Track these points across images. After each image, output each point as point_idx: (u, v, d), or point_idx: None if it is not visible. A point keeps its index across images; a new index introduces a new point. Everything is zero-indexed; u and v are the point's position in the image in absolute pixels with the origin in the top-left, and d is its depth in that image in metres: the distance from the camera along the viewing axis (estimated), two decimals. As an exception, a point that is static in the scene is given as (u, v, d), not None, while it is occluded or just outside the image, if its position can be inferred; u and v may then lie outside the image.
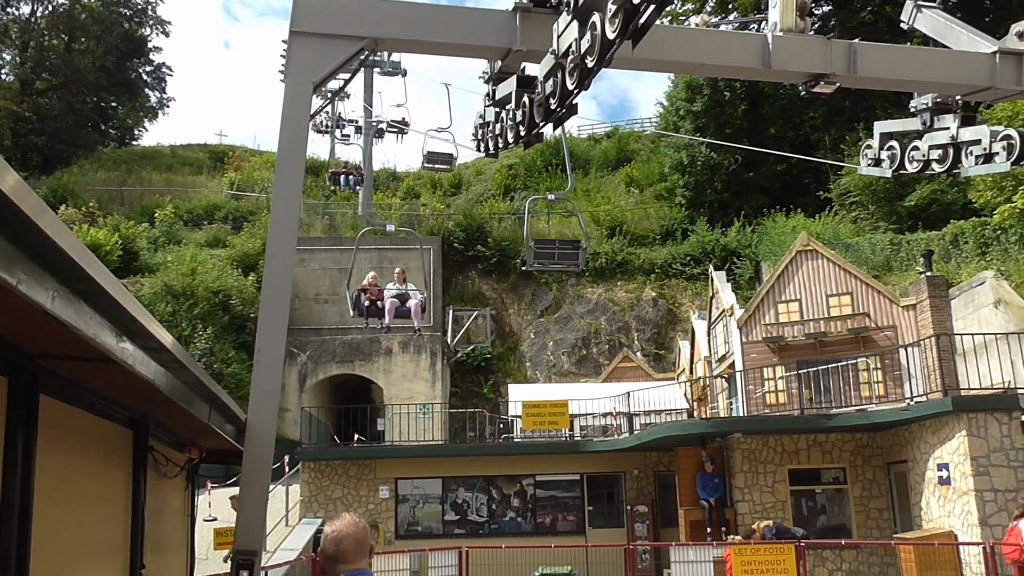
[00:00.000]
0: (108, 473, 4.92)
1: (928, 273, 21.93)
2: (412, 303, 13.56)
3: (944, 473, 14.97)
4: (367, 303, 13.41)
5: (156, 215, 41.69)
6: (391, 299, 13.43)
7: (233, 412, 5.62)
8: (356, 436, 24.06)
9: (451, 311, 35.38)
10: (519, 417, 23.52)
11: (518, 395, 26.87)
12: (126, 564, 5.27)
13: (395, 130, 37.96)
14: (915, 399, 17.05)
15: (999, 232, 26.09)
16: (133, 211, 43.44)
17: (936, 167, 8.30)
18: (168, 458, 6.49)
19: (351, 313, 13.65)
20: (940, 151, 8.17)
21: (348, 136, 44.10)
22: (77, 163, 52.92)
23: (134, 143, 63.99)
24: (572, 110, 5.72)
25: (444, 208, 44.70)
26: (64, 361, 3.49)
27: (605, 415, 24.77)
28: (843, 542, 16.63)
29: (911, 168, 8.57)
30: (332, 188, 42.99)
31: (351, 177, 41.30)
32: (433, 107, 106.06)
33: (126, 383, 3.84)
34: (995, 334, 17.03)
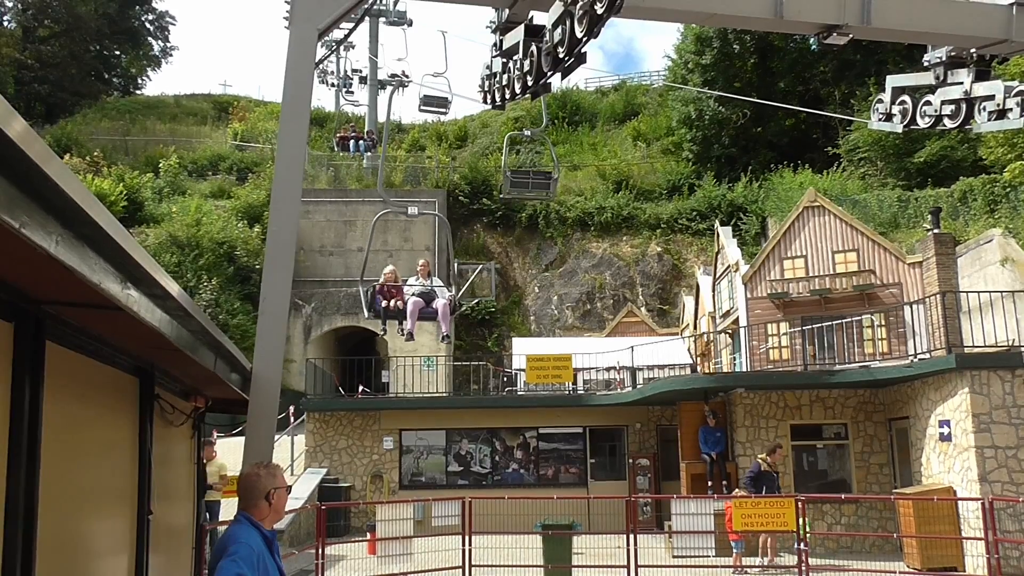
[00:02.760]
0: (115, 421, 4.95)
1: (935, 230, 21.83)
2: (439, 303, 11.38)
3: (945, 430, 15.04)
4: (384, 304, 11.35)
5: (160, 165, 41.55)
6: (414, 299, 11.32)
7: (239, 362, 5.63)
8: (361, 387, 24.22)
9: (456, 264, 35.32)
10: (523, 370, 23.62)
11: (522, 348, 26.94)
12: (133, 510, 5.33)
13: (395, 83, 37.61)
14: (919, 356, 17.07)
15: (1008, 190, 25.93)
16: (137, 161, 43.28)
17: (948, 123, 8.18)
18: (174, 406, 6.53)
19: (366, 314, 11.68)
20: (952, 106, 8.04)
21: (353, 92, 43.41)
22: (81, 112, 52.57)
23: (138, 92, 63.51)
24: (581, 59, 5.63)
25: (449, 161, 44.38)
26: (70, 308, 3.49)
27: (608, 369, 24.86)
28: (843, 496, 16.77)
29: (922, 123, 8.45)
30: (341, 153, 42.13)
31: (361, 142, 40.71)
32: (437, 56, 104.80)
33: (132, 331, 3.84)
34: (1001, 292, 17.00)
